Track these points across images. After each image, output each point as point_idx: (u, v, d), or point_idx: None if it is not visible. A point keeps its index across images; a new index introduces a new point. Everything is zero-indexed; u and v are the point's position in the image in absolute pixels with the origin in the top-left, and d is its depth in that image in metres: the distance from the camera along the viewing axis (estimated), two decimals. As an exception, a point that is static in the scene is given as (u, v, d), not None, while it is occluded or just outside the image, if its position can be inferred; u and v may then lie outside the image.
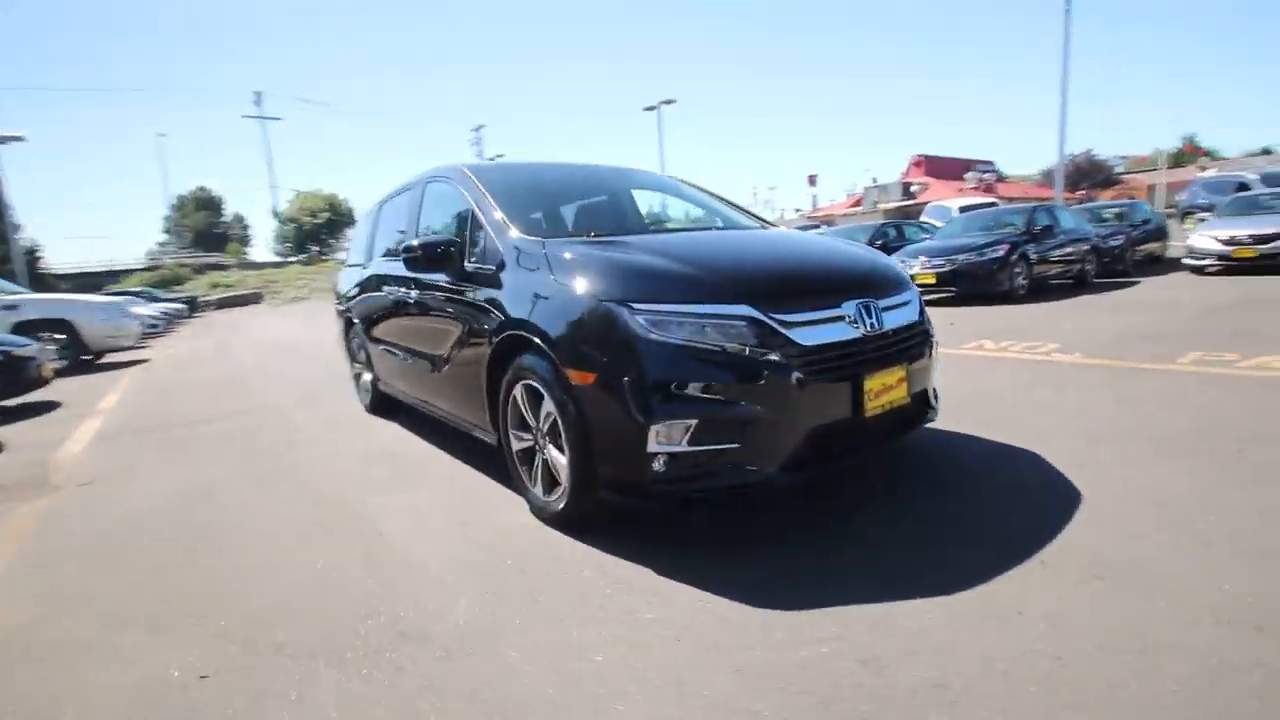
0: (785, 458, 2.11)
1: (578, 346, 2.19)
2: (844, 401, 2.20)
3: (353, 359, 5.04)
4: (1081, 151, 35.69)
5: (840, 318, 2.26)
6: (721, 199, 3.79)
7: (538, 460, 2.55)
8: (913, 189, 31.35)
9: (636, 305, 2.11)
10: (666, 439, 2.04)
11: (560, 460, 2.38)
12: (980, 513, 2.35)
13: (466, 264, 2.88)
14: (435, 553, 2.36)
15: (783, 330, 2.11)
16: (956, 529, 2.24)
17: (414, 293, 3.43)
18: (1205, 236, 10.05)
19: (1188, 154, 52.46)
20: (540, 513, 2.55)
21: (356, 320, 4.64)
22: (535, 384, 2.41)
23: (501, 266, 2.67)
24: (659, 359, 2.05)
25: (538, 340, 2.34)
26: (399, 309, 3.70)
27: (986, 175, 34.14)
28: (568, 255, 2.43)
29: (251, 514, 2.90)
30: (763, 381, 2.06)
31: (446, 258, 2.87)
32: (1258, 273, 9.23)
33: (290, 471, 3.50)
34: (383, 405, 4.65)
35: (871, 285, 2.44)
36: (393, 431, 4.25)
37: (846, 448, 2.27)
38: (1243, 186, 14.05)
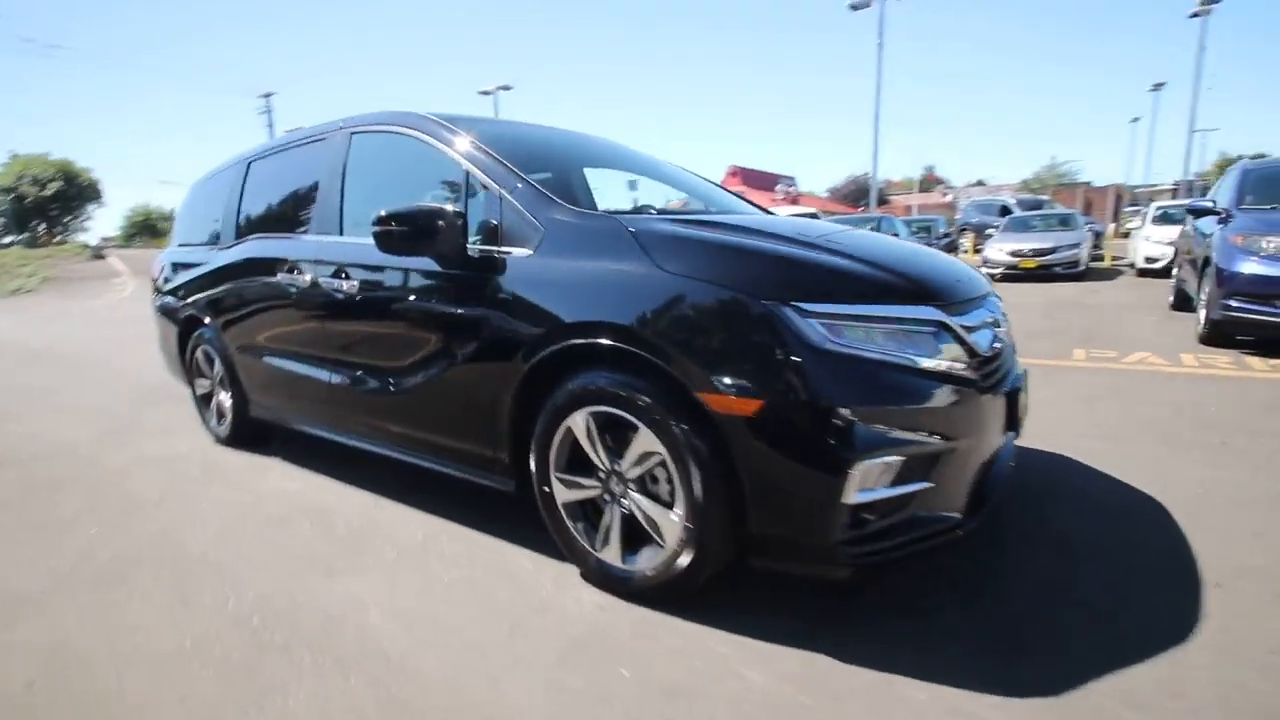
0: (968, 498, 1.72)
1: (721, 363, 1.59)
2: (1002, 423, 1.88)
3: (196, 373, 3.69)
4: (863, 173, 41.06)
5: (994, 321, 1.93)
6: (702, 178, 3.30)
7: (610, 515, 1.87)
8: (731, 197, 33.42)
9: (807, 306, 1.57)
10: (866, 484, 1.53)
11: (665, 516, 1.74)
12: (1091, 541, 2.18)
13: (470, 245, 2.07)
14: (502, 686, 1.56)
15: (966, 337, 1.72)
16: (1076, 598, 2.03)
17: (350, 283, 2.47)
18: (996, 249, 12.01)
19: (929, 181, 63.24)
20: (616, 583, 1.88)
21: (210, 320, 3.38)
22: (620, 413, 1.75)
23: (542, 249, 1.93)
24: (851, 377, 1.53)
25: (640, 352, 1.68)
26: (312, 305, 2.67)
27: (790, 189, 37.70)
28: (680, 237, 1.80)
29: (134, 648, 1.76)
30: (956, 401, 1.64)
31: (439, 234, 2.03)
32: (1035, 280, 11.16)
33: (160, 556, 2.30)
34: (248, 434, 3.45)
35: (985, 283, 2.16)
36: (280, 472, 3.13)
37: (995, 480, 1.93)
38: (1005, 210, 17.00)
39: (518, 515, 2.36)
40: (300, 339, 2.81)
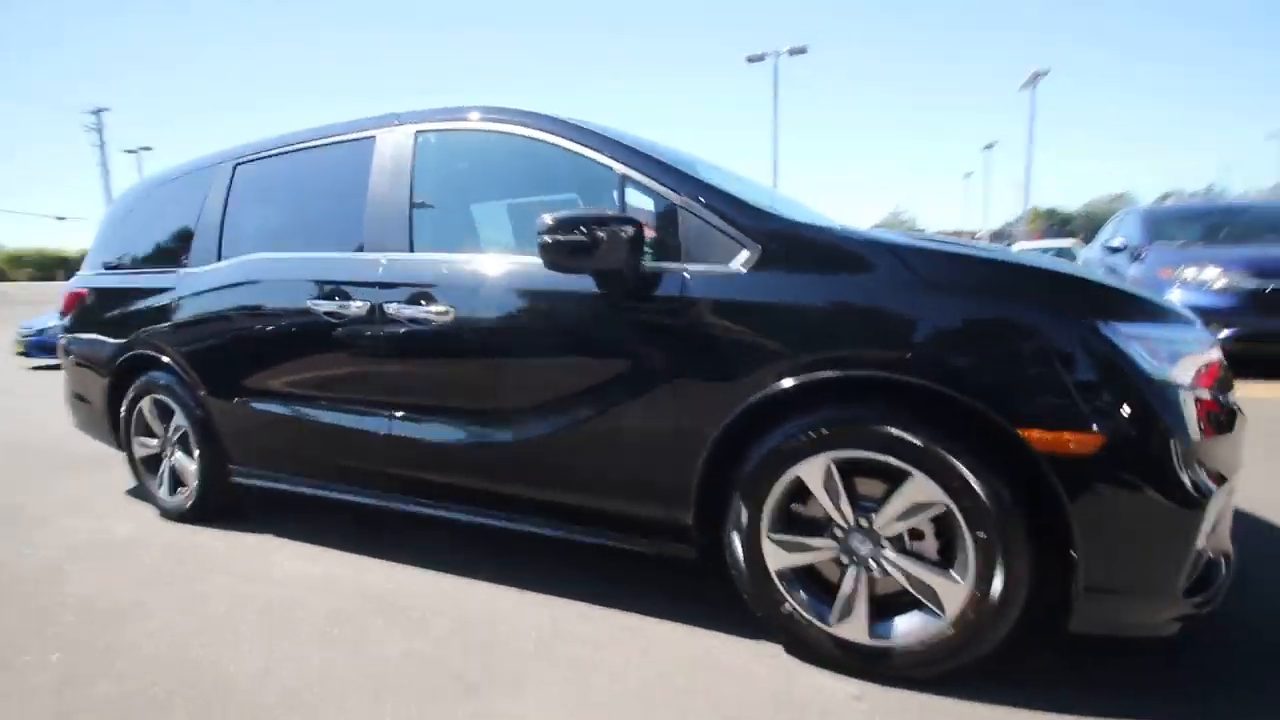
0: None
1: (1044, 394, 1.36)
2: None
3: (138, 431, 2.88)
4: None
5: None
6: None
7: (854, 581, 1.56)
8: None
9: (1124, 328, 1.40)
10: (1209, 523, 1.37)
11: (943, 579, 1.47)
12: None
13: (644, 262, 1.71)
14: None
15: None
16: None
17: (438, 308, 1.98)
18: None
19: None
20: (863, 661, 1.56)
21: (173, 361, 2.65)
22: (884, 458, 1.47)
23: (757, 266, 1.62)
24: (1183, 405, 1.37)
25: (930, 385, 1.42)
26: (369, 337, 2.12)
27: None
28: (949, 254, 1.57)
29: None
30: (1232, 434, 1.54)
31: (620, 247, 1.64)
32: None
33: (195, 692, 1.63)
34: (218, 505, 2.72)
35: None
36: (289, 551, 2.46)
37: None
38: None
39: (653, 582, 1.98)
40: (339, 380, 2.24)
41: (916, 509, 1.48)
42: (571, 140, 1.92)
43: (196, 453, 2.67)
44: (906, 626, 1.53)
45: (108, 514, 2.92)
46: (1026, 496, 1.40)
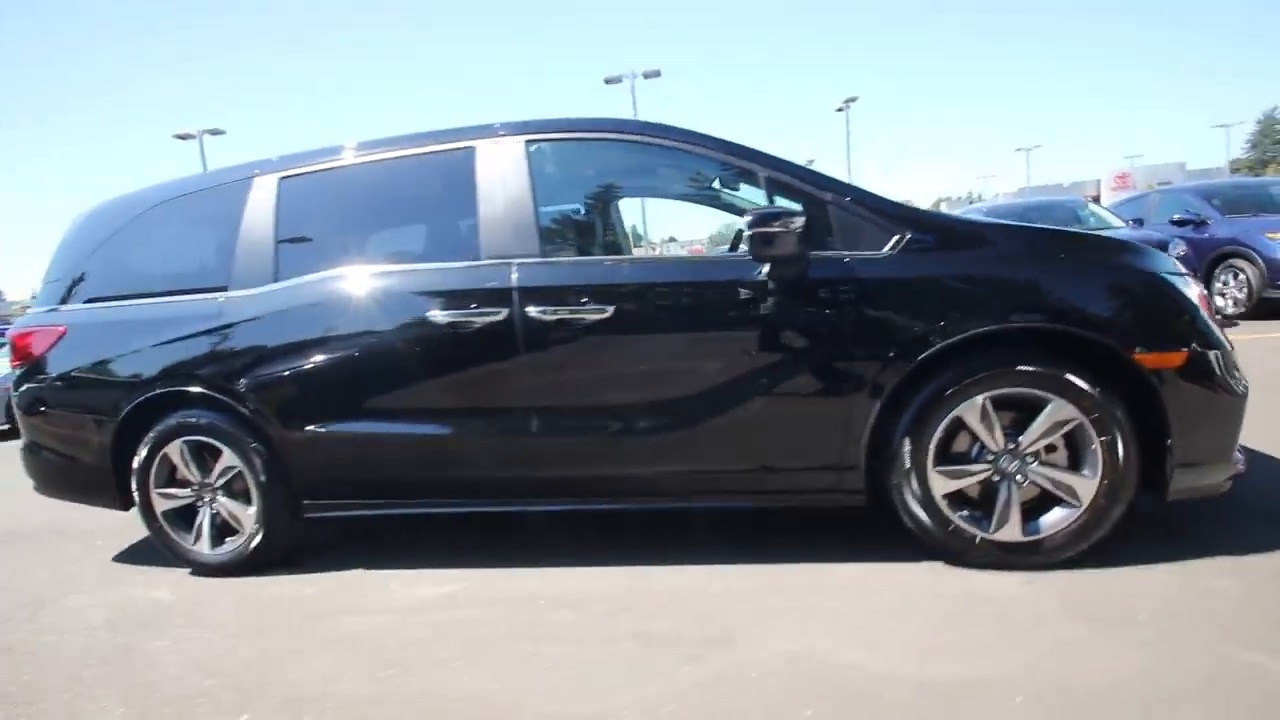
0: None
1: (1150, 327, 1.89)
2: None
3: (164, 483, 2.53)
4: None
5: None
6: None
7: (1008, 492, 1.95)
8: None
9: (1174, 278, 1.94)
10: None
11: (1075, 478, 1.90)
12: None
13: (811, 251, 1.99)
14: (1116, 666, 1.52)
15: None
16: None
17: (593, 307, 2.07)
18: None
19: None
20: (1018, 555, 1.95)
21: (233, 397, 2.39)
22: (1032, 391, 1.89)
23: (904, 249, 1.97)
24: (1215, 327, 1.95)
25: (1073, 330, 1.90)
26: (507, 343, 2.14)
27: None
28: (1060, 232, 2.03)
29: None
30: None
31: (804, 237, 1.91)
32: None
33: None
34: (279, 549, 2.51)
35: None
36: (399, 579, 2.35)
37: None
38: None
39: (795, 535, 2.26)
40: (469, 389, 2.23)
41: (1056, 427, 1.91)
42: (705, 149, 2.15)
43: (257, 493, 2.43)
44: (1050, 520, 1.96)
45: (120, 583, 2.53)
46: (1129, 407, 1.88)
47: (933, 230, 2.02)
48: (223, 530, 2.53)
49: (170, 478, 2.55)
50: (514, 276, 2.17)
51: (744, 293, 2.04)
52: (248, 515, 2.47)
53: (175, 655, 1.97)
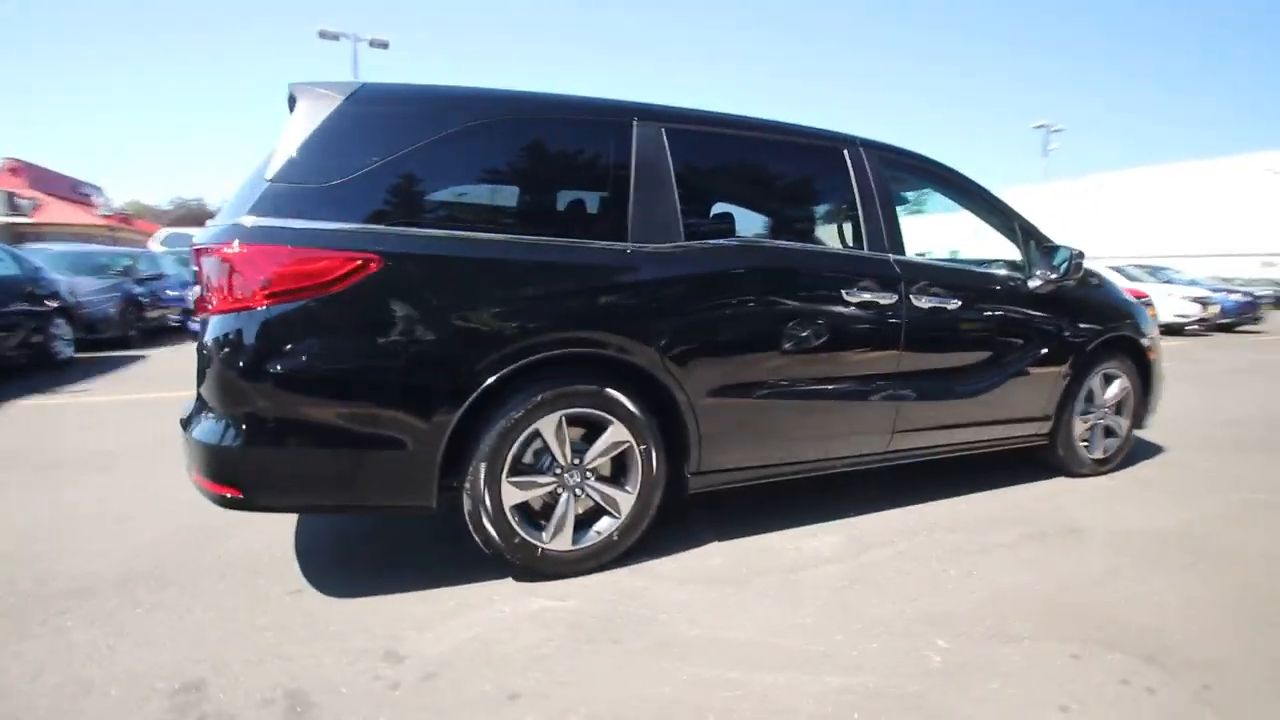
0: None
1: (1147, 326, 3.48)
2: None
3: (516, 470, 2.03)
4: (194, 197, 35.47)
5: None
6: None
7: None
8: (22, 203, 22.92)
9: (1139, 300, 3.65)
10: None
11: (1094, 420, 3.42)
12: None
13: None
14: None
15: None
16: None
17: (951, 300, 2.70)
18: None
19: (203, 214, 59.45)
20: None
21: (643, 362, 2.15)
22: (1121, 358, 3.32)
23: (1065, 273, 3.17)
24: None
25: (1125, 335, 3.32)
26: (897, 325, 2.57)
27: (102, 200, 29.03)
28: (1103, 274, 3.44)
29: None
30: None
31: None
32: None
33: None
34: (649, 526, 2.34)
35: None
36: (793, 540, 2.46)
37: None
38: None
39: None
40: (860, 362, 2.56)
41: (1109, 379, 3.38)
42: (982, 197, 3.01)
43: (643, 472, 2.19)
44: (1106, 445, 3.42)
45: (477, 601, 1.92)
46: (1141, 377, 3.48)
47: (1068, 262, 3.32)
48: (580, 520, 2.16)
49: (523, 462, 2.06)
50: (898, 269, 2.62)
51: (1013, 295, 2.98)
52: (625, 498, 2.20)
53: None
